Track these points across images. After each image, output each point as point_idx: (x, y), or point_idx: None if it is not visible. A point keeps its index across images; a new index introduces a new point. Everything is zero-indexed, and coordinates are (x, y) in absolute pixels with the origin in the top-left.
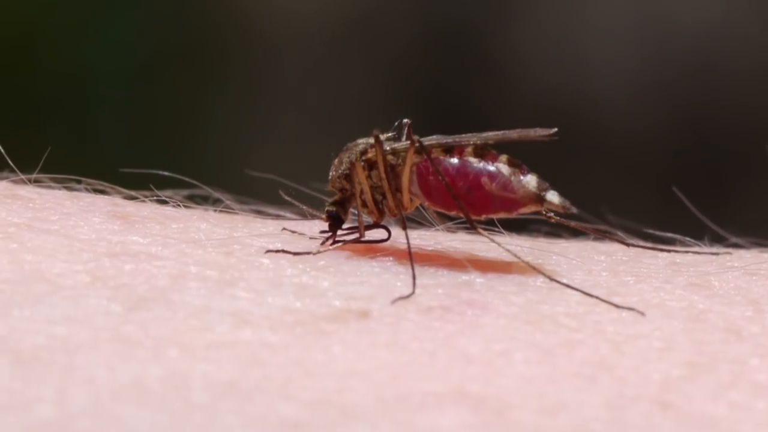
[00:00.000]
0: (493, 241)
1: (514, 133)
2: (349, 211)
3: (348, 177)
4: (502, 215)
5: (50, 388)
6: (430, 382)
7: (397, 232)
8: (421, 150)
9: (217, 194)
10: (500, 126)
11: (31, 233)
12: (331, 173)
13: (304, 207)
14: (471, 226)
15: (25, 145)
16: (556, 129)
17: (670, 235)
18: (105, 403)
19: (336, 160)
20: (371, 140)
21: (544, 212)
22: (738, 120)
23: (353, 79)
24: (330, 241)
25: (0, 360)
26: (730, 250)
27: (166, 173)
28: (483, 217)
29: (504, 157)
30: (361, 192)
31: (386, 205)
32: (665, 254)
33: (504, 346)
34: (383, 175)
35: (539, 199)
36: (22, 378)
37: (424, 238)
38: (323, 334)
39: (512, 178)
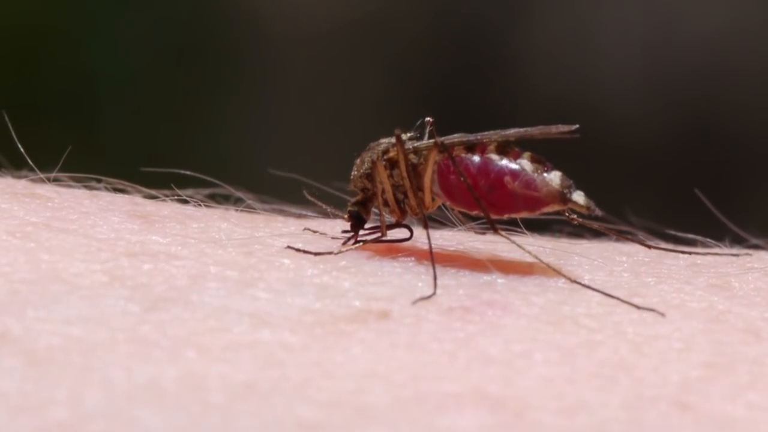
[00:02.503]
0: (512, 242)
1: (535, 130)
2: (372, 211)
3: (370, 176)
4: (524, 214)
5: (64, 389)
6: (450, 382)
7: (419, 231)
8: (444, 149)
9: (238, 193)
10: (512, 126)
11: (49, 232)
12: (353, 173)
13: (328, 208)
14: (491, 227)
15: (45, 144)
16: (577, 126)
17: (691, 236)
18: (120, 404)
19: (358, 160)
20: (393, 139)
21: (566, 213)
22: (759, 121)
23: (369, 79)
24: (352, 241)
25: (14, 361)
26: (750, 251)
27: (187, 172)
28: (505, 217)
29: (527, 154)
30: (383, 191)
31: (408, 204)
32: (686, 255)
33: (524, 347)
34: (404, 174)
35: (563, 198)
36: (35, 379)
37: (446, 239)
38: (343, 334)
39: (535, 175)
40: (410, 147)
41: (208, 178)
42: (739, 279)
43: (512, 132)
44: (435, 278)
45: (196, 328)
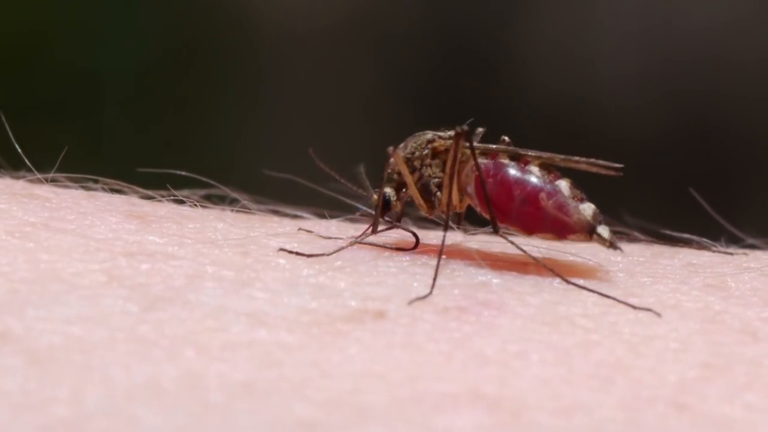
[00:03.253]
0: (513, 244)
1: (581, 160)
2: (403, 199)
3: (408, 162)
4: (550, 237)
5: (66, 388)
6: (446, 382)
7: (424, 233)
8: (467, 140)
9: (234, 194)
10: (508, 126)
11: (48, 232)
12: (392, 158)
13: (360, 190)
14: (494, 230)
15: (42, 144)
16: (622, 165)
17: (686, 236)
18: (120, 403)
19: (402, 145)
20: (440, 133)
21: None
22: (753, 121)
23: (364, 78)
24: (358, 238)
25: (16, 360)
26: (746, 251)
27: (183, 173)
28: (530, 237)
29: (567, 180)
30: (420, 178)
31: (439, 200)
32: (681, 255)
33: (520, 347)
34: (448, 169)
35: (591, 230)
36: (37, 378)
37: (440, 239)
38: (339, 334)
39: (570, 201)
40: (449, 143)
41: (204, 179)
42: (735, 279)
43: (556, 156)
44: (435, 279)
45: (194, 327)
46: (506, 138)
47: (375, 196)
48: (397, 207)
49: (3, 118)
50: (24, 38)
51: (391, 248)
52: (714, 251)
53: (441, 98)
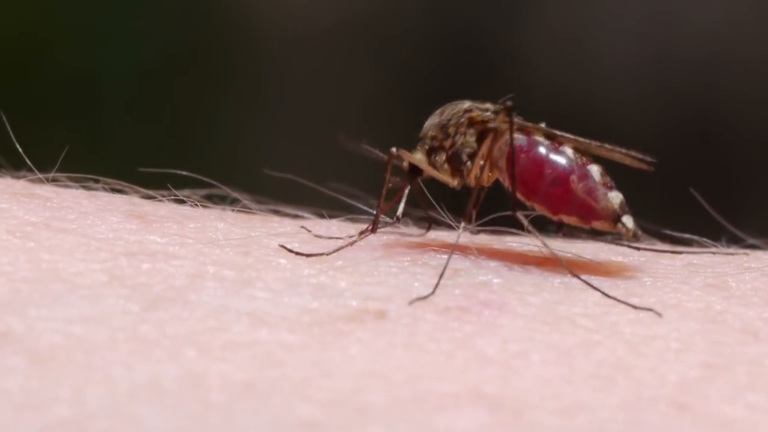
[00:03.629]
0: (527, 228)
1: (615, 149)
2: (433, 164)
3: (445, 128)
4: (574, 221)
5: (67, 387)
6: (447, 382)
7: (405, 230)
8: (509, 122)
9: (234, 194)
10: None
11: (49, 232)
12: (429, 122)
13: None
14: (512, 210)
15: (43, 144)
16: (654, 160)
17: (687, 236)
18: (122, 402)
19: (438, 110)
20: (479, 104)
21: (613, 234)
22: (754, 120)
23: (365, 78)
24: (365, 233)
25: (17, 359)
26: (746, 251)
27: (183, 173)
28: (555, 218)
29: (599, 165)
30: (452, 146)
31: (468, 171)
32: (683, 255)
33: (521, 347)
34: (489, 142)
35: (616, 218)
36: (38, 378)
37: (441, 238)
38: (340, 334)
39: (599, 187)
40: (487, 115)
41: (205, 179)
42: (736, 279)
43: (592, 143)
44: (441, 276)
45: (195, 327)
46: (543, 124)
47: (406, 162)
48: (427, 172)
49: (4, 118)
50: (25, 39)
51: (397, 244)
52: (715, 251)
53: (442, 98)
